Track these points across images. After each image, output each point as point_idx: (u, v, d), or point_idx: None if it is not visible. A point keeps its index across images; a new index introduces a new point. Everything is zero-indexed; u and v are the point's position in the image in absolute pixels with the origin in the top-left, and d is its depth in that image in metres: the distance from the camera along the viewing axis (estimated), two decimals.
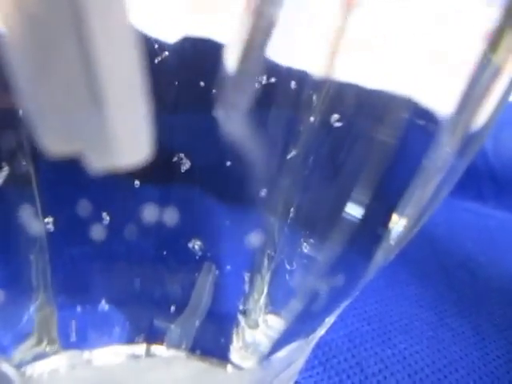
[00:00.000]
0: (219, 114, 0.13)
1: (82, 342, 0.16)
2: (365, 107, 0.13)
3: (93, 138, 0.07)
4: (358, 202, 0.14)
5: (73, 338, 0.16)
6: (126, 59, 0.07)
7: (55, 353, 0.16)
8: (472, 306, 0.31)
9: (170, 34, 0.13)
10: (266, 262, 0.17)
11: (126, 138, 0.08)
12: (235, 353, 0.18)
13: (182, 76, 0.14)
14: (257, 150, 0.14)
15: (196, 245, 0.17)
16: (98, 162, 0.08)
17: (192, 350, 0.17)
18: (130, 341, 0.17)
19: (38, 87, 0.07)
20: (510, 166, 0.48)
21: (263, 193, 0.15)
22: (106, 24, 0.06)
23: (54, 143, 0.07)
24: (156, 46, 0.13)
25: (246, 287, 0.18)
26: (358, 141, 0.14)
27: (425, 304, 0.31)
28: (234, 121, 0.13)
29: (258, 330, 0.18)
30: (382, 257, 0.16)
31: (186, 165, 0.15)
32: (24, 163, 0.12)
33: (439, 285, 0.33)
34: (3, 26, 0.06)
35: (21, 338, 0.15)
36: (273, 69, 0.13)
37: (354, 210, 0.14)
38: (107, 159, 0.08)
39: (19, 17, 0.06)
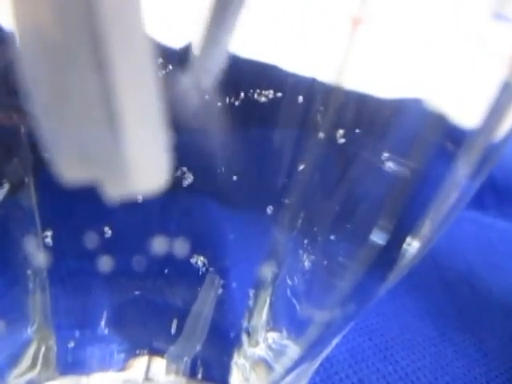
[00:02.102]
0: (190, 77, 0.12)
1: (79, 366, 0.15)
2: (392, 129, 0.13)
3: (110, 164, 0.07)
4: (375, 226, 0.13)
5: (70, 361, 0.15)
6: (145, 85, 0.06)
7: (52, 378, 0.15)
8: (474, 320, 0.31)
9: (176, 40, 0.12)
10: (270, 278, 0.17)
11: (144, 164, 0.07)
12: (236, 376, 0.17)
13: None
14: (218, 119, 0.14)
15: (200, 261, 0.16)
16: (115, 189, 0.07)
17: (192, 373, 0.17)
18: (128, 362, 0.16)
19: (55, 113, 0.06)
20: (511, 175, 0.48)
21: (272, 209, 0.15)
22: (124, 50, 0.06)
23: (71, 170, 0.07)
24: (162, 51, 0.13)
25: (251, 304, 0.17)
26: (375, 163, 0.13)
27: (426, 318, 0.30)
28: (203, 85, 0.13)
29: (259, 347, 0.18)
30: (393, 278, 0.15)
31: (189, 180, 0.15)
32: (26, 180, 0.12)
33: (440, 298, 0.32)
34: (22, 51, 0.06)
35: (17, 360, 0.15)
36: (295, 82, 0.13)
37: (369, 234, 0.13)
38: (124, 186, 0.07)
39: (37, 41, 0.06)
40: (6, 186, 0.12)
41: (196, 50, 0.12)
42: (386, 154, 0.13)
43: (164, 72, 0.13)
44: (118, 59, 0.06)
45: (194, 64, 0.12)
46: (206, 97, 0.13)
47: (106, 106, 0.06)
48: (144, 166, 0.07)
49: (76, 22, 0.06)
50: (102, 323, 0.15)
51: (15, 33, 0.06)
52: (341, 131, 0.14)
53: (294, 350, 0.16)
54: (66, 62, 0.06)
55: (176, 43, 0.12)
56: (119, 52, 0.06)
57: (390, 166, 0.13)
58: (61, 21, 0.06)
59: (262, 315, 0.17)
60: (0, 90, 0.10)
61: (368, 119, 0.13)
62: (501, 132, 0.13)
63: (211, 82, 0.13)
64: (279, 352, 0.17)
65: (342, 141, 0.14)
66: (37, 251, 0.13)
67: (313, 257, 0.15)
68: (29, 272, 0.14)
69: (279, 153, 0.15)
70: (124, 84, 0.06)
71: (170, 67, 0.13)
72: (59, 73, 0.06)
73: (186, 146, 0.15)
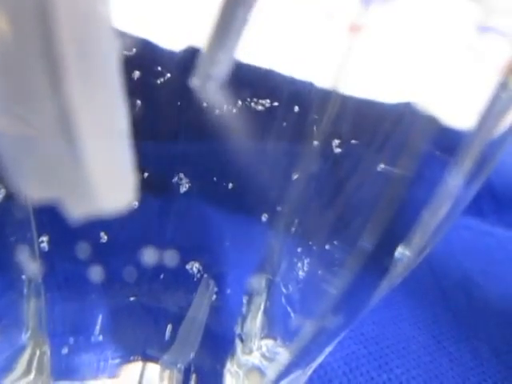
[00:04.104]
0: (195, 83, 0.12)
1: (73, 372, 0.15)
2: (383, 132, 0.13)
3: (71, 183, 0.07)
4: (365, 234, 0.13)
5: (64, 367, 0.15)
6: (107, 101, 0.06)
7: None
8: (470, 328, 0.31)
9: (175, 43, 0.13)
10: (264, 285, 0.17)
11: (106, 183, 0.07)
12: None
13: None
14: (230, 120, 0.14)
15: (194, 267, 0.16)
16: (77, 208, 0.07)
17: (186, 380, 0.17)
18: (122, 369, 0.16)
19: (14, 131, 0.06)
20: (510, 182, 0.48)
21: (267, 217, 0.15)
22: (83, 68, 0.06)
23: (32, 189, 0.07)
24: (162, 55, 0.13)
25: (244, 311, 0.17)
26: (369, 169, 0.13)
27: (422, 326, 0.30)
28: (209, 90, 0.13)
29: (252, 355, 0.18)
30: (386, 286, 0.15)
31: (186, 186, 0.15)
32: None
33: (436, 306, 0.32)
34: None
35: (12, 366, 0.15)
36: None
37: (362, 242, 0.13)
38: (87, 205, 0.07)
39: None
40: (3, 192, 0.12)
41: (202, 57, 0.12)
42: (379, 160, 0.13)
43: (163, 78, 0.13)
44: (75, 74, 0.06)
45: (199, 71, 0.12)
46: (204, 104, 0.13)
47: (65, 124, 0.06)
48: (107, 185, 0.07)
49: (32, 31, 0.06)
50: (96, 329, 0.15)
51: None
52: (336, 139, 0.14)
53: (287, 358, 0.16)
54: (23, 79, 0.06)
55: (175, 46, 0.12)
56: (77, 67, 0.06)
57: (383, 171, 0.13)
58: (17, 40, 0.06)
59: (256, 322, 0.17)
60: None
61: (361, 126, 0.13)
62: (496, 136, 0.13)
63: (216, 88, 0.13)
64: (273, 360, 0.17)
65: (337, 148, 0.14)
66: (32, 257, 0.13)
67: (307, 264, 0.15)
68: (23, 277, 0.14)
69: (275, 160, 0.15)
70: (83, 100, 0.06)
71: (168, 75, 0.13)
72: (16, 91, 0.06)
73: (183, 153, 0.15)
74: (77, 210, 0.07)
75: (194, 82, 0.12)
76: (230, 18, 0.11)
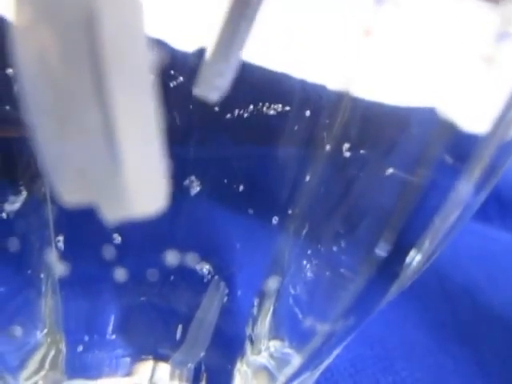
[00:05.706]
0: (197, 92, 0.12)
1: (87, 370, 0.16)
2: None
3: (108, 188, 0.07)
4: (379, 239, 0.13)
5: (78, 365, 0.15)
6: (145, 110, 0.07)
7: (61, 381, 0.15)
8: (474, 332, 0.31)
9: (188, 44, 0.13)
10: (274, 287, 0.17)
11: (142, 188, 0.07)
12: (239, 383, 0.17)
13: None
14: None
15: (205, 269, 0.16)
16: (113, 212, 0.07)
17: (196, 379, 0.17)
18: (134, 367, 0.16)
19: (56, 139, 0.06)
20: None
21: (278, 220, 0.15)
22: (125, 77, 0.06)
23: (70, 193, 0.07)
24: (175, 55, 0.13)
25: (255, 312, 0.17)
26: (381, 174, 0.13)
27: (427, 329, 0.30)
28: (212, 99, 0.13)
29: (261, 355, 0.18)
30: (395, 290, 0.16)
31: (197, 188, 0.15)
32: (42, 188, 0.12)
33: (441, 309, 0.32)
34: (26, 82, 0.06)
35: (27, 363, 0.15)
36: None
37: (372, 246, 0.13)
38: (122, 209, 0.07)
39: (41, 73, 0.06)
40: (24, 194, 0.12)
41: (204, 67, 0.12)
42: (391, 165, 0.13)
43: (175, 82, 0.13)
44: (118, 86, 0.06)
45: (202, 80, 0.12)
46: (216, 108, 0.14)
47: (106, 132, 0.06)
48: (142, 190, 0.07)
49: (79, 53, 0.06)
50: (110, 328, 0.15)
51: (19, 65, 0.06)
52: (347, 143, 0.14)
53: (295, 359, 0.16)
54: (69, 89, 0.06)
55: (188, 47, 0.13)
56: (119, 79, 0.06)
57: (395, 177, 0.13)
58: (64, 54, 0.06)
59: (265, 323, 0.17)
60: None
61: (374, 130, 0.14)
62: (507, 142, 0.14)
63: (219, 96, 0.13)
64: (281, 360, 0.17)
65: (349, 152, 0.14)
66: (49, 256, 0.14)
67: (316, 267, 0.15)
68: (41, 276, 0.14)
69: (286, 164, 0.15)
70: (124, 111, 0.06)
71: (181, 78, 0.13)
72: (61, 101, 0.06)
73: (194, 156, 0.15)
74: (112, 215, 0.07)
75: (196, 91, 0.12)
76: (233, 30, 0.11)
